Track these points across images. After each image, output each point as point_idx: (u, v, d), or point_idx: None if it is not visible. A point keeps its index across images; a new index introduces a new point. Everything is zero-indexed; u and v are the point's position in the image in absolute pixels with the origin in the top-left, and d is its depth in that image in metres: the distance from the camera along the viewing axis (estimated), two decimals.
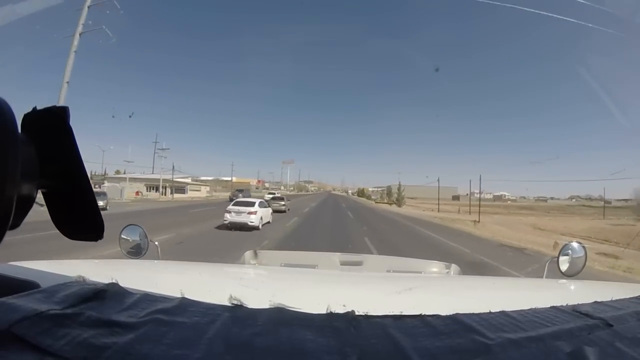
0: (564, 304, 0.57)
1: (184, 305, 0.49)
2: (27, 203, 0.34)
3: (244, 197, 17.42)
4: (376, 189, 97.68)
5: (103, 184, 32.96)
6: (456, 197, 78.69)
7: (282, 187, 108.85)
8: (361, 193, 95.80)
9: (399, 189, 51.30)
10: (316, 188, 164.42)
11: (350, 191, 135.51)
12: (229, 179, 77.48)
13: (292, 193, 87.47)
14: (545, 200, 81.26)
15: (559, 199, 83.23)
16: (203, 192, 48.97)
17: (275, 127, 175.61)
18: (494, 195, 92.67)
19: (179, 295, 0.54)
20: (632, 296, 0.66)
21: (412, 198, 52.87)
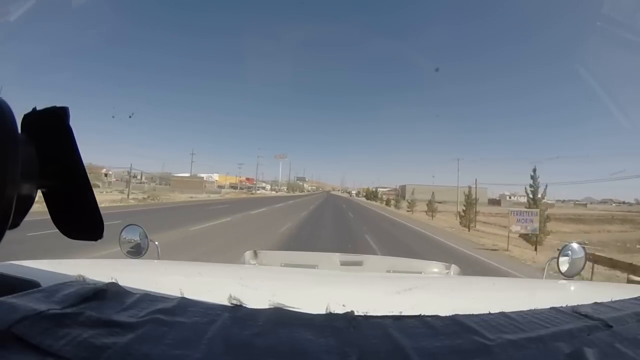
0: (564, 305, 0.57)
1: (184, 305, 0.49)
2: (27, 203, 0.34)
3: None
4: (384, 190, 79.86)
5: None
6: (494, 202, 62.63)
7: (267, 186, 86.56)
8: (372, 195, 69.35)
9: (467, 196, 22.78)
10: (314, 187, 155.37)
11: (353, 192, 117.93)
12: (212, 175, 65.71)
13: (278, 194, 67.67)
14: (585, 205, 69.81)
15: (593, 202, 71.24)
16: None
17: (275, 126, 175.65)
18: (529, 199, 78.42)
19: (179, 295, 0.54)
20: (631, 297, 0.66)
21: (440, 202, 33.71)
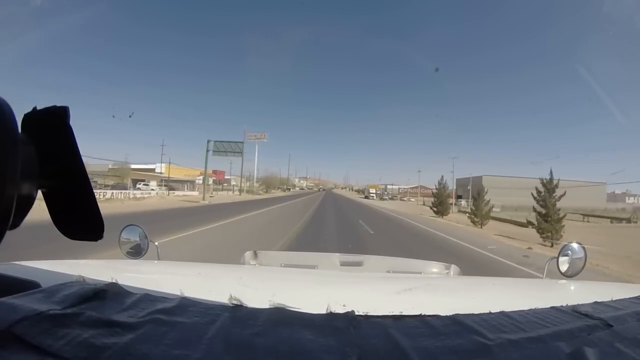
0: (564, 305, 0.57)
1: (184, 305, 0.49)
2: (27, 203, 0.34)
3: None
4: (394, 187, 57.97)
5: None
6: None
7: (197, 181, 47.44)
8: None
9: None
10: (312, 185, 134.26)
11: (373, 191, 75.39)
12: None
13: (235, 199, 33.08)
14: None
15: None
16: None
17: (275, 124, 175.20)
18: None
19: (179, 295, 0.54)
20: (632, 296, 0.66)
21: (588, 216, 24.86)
